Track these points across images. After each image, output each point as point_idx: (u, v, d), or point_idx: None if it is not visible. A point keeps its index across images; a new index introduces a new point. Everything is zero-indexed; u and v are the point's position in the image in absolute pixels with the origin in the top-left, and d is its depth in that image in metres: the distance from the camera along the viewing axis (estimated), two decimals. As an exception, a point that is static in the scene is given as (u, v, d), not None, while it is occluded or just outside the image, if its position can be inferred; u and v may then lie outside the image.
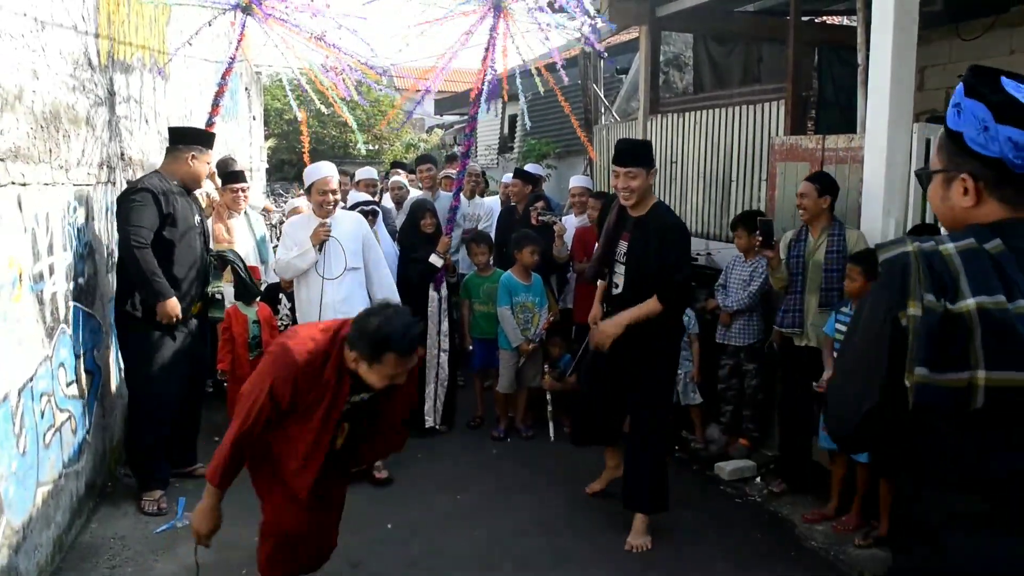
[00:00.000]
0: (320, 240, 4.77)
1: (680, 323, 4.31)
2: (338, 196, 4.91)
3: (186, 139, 4.59)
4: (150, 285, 4.22)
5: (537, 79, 5.77)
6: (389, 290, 4.98)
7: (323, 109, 6.37)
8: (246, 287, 5.18)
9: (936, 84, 6.97)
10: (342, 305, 4.72)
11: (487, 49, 5.50)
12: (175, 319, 4.28)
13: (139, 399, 4.46)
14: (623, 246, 4.14)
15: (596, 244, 5.67)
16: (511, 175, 8.12)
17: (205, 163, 4.61)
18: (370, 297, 4.92)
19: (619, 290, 4.16)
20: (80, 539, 3.97)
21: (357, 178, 7.24)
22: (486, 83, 5.53)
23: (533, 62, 6.37)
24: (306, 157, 6.13)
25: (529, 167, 7.62)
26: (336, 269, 4.81)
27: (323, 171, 4.88)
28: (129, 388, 4.56)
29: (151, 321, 4.30)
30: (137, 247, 4.19)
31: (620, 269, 4.15)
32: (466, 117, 20.02)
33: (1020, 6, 6.33)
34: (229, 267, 5.18)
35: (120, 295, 4.37)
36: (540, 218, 6.10)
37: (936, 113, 6.86)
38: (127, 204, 4.26)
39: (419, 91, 6.26)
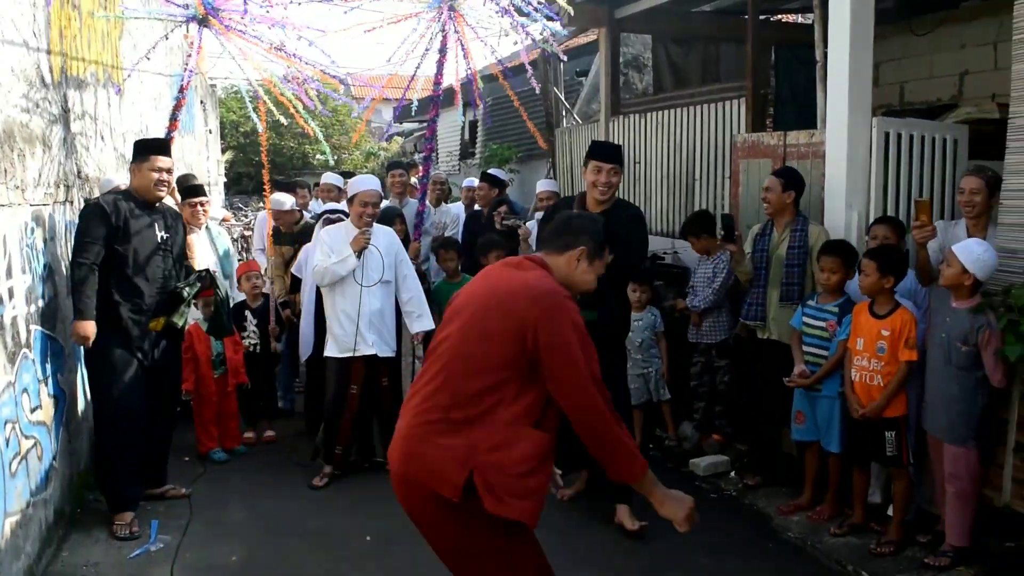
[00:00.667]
0: (361, 247, 4.82)
1: None
2: (378, 209, 4.99)
3: (135, 152, 4.54)
4: (74, 300, 4.20)
5: (506, 82, 5.76)
6: (418, 296, 5.10)
7: (282, 120, 6.30)
8: (220, 324, 5.09)
9: (891, 79, 7.10)
10: (376, 316, 4.89)
11: (441, 53, 5.48)
12: (88, 340, 4.15)
13: (104, 417, 4.36)
14: None
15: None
16: (474, 180, 8.12)
17: (148, 171, 4.41)
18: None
19: None
20: (51, 568, 3.86)
21: (321, 183, 7.17)
22: (442, 87, 5.52)
23: (487, 68, 6.39)
24: (265, 171, 6.05)
25: (493, 171, 7.61)
26: (373, 278, 4.89)
27: (367, 184, 5.01)
28: (94, 406, 4.44)
29: (113, 337, 4.23)
30: (75, 261, 4.19)
31: None
32: (425, 123, 19.99)
33: (970, 2, 6.48)
34: (208, 296, 5.09)
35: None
36: (504, 223, 6.09)
37: (892, 107, 6.99)
38: (83, 218, 4.27)
39: (385, 100, 6.24)
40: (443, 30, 5.40)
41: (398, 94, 6.08)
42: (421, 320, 5.06)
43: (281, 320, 5.93)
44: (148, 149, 4.54)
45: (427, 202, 6.40)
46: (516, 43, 5.48)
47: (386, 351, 4.99)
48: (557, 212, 4.43)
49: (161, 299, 4.45)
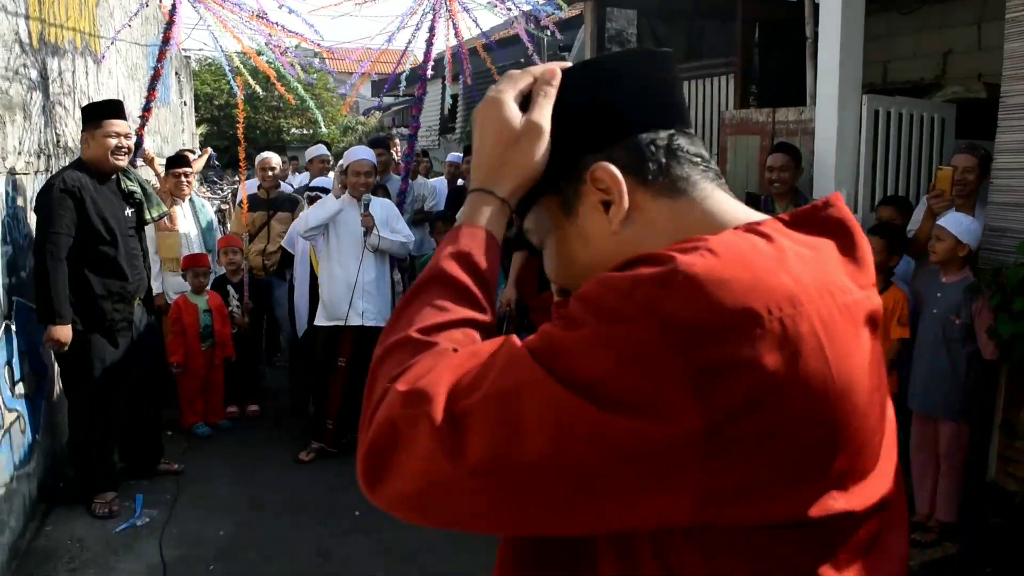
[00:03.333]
0: (369, 227, 4.74)
1: None
2: (371, 179, 4.90)
3: (86, 118, 4.14)
4: (48, 301, 3.84)
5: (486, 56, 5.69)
6: (404, 229, 5.05)
7: (259, 91, 6.20)
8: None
9: (874, 58, 7.09)
10: (371, 285, 4.84)
11: (430, 31, 5.40)
12: (65, 346, 3.89)
13: (77, 399, 4.16)
14: None
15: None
16: (458, 155, 8.06)
17: (103, 138, 4.06)
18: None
19: None
20: (35, 543, 3.81)
21: (309, 156, 7.07)
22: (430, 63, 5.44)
23: (470, 41, 6.30)
24: (241, 146, 5.94)
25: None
26: (369, 250, 4.83)
27: (359, 154, 4.93)
28: (65, 388, 4.27)
29: (79, 318, 3.98)
30: (50, 257, 3.82)
31: None
32: (404, 99, 19.76)
33: (954, -20, 6.49)
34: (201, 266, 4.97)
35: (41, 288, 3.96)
36: None
37: (875, 86, 7.01)
38: (43, 205, 3.90)
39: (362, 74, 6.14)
40: (434, 8, 5.32)
41: (379, 69, 6.01)
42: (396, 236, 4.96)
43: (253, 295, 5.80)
44: (100, 113, 4.12)
45: (409, 179, 6.35)
46: (503, 16, 5.40)
47: (379, 320, 4.87)
48: None
49: (132, 276, 4.21)
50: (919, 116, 4.85)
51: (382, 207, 4.98)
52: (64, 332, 3.88)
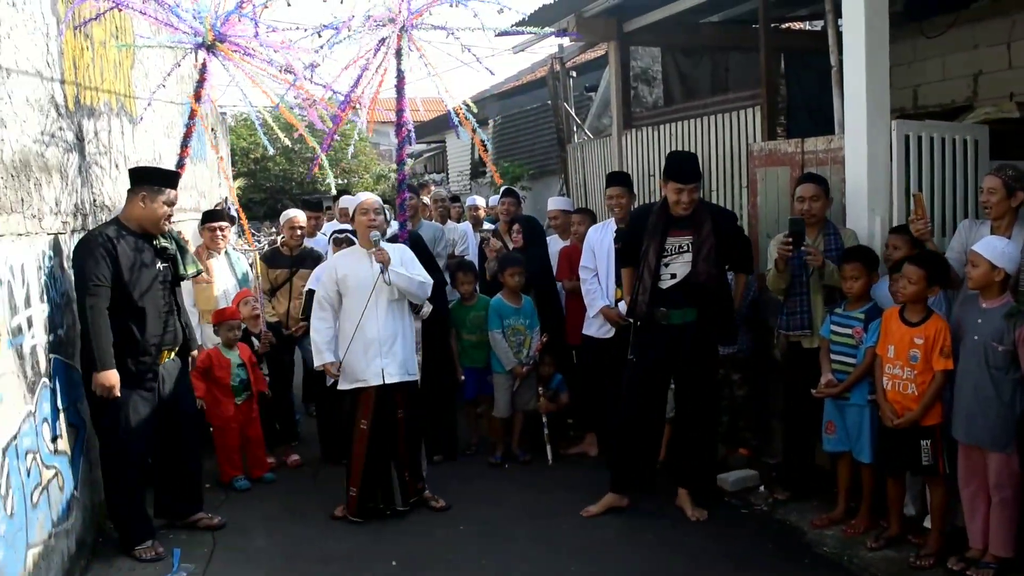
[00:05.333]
0: (384, 260, 4.51)
1: None
2: (381, 216, 4.73)
3: (139, 180, 4.36)
4: (89, 349, 4.02)
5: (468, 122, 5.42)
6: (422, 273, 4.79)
7: (287, 142, 6.28)
8: None
9: (903, 83, 7.03)
10: (388, 341, 4.62)
11: (399, 77, 5.19)
12: (114, 390, 4.01)
13: (105, 452, 4.27)
14: (677, 242, 4.53)
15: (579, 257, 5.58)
16: (476, 198, 8.11)
17: (162, 203, 4.30)
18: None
19: (677, 279, 4.52)
20: (74, 600, 3.82)
21: (340, 206, 7.16)
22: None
23: (500, 84, 6.28)
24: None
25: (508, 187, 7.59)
26: (382, 300, 4.63)
27: (361, 196, 4.90)
28: (100, 441, 4.33)
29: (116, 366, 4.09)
30: (90, 307, 4.00)
31: (681, 259, 4.52)
32: (435, 144, 19.93)
33: (981, 2, 6.42)
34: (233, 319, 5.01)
35: (85, 339, 4.12)
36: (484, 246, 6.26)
37: (906, 111, 6.93)
38: (78, 256, 4.09)
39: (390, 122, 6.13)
40: (397, 52, 5.16)
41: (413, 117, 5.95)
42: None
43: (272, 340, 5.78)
44: (162, 180, 4.39)
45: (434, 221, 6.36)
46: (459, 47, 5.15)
47: (403, 375, 4.68)
48: (638, 220, 4.75)
49: (165, 329, 4.33)
50: (951, 139, 4.76)
51: (395, 250, 4.74)
52: (108, 377, 4.00)
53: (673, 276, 4.53)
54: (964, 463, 3.77)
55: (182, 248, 4.57)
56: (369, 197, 4.84)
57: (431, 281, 4.84)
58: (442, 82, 5.28)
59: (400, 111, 5.20)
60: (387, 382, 4.61)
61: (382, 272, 4.53)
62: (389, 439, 4.68)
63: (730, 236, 4.62)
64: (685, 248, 4.52)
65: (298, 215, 6.44)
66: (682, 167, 4.52)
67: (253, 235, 17.47)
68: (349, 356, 4.63)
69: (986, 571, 3.61)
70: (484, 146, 6.03)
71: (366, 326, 4.59)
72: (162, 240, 4.40)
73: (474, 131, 5.37)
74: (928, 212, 4.17)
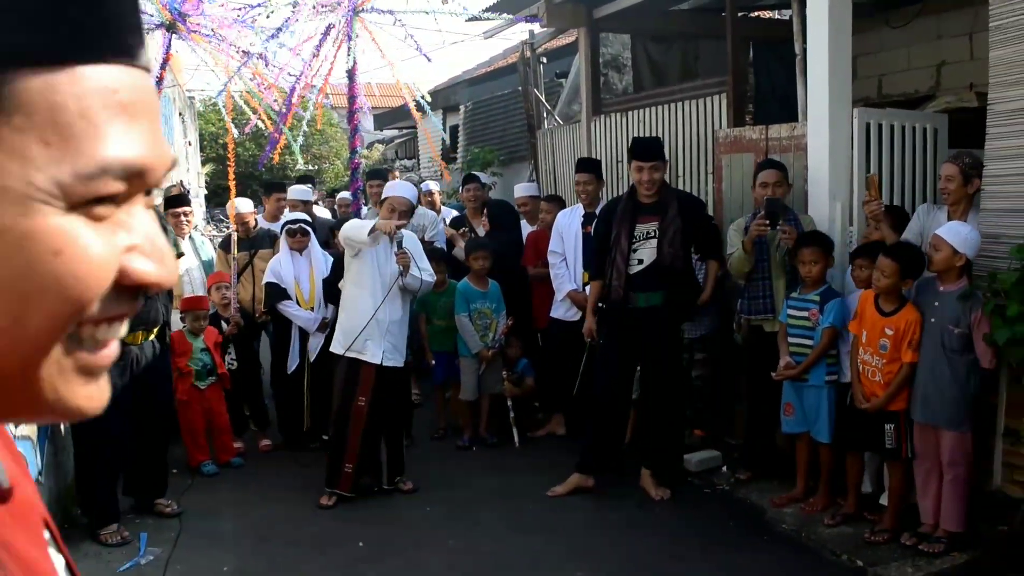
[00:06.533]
0: (388, 231, 4.51)
1: None
2: (406, 220, 4.76)
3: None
4: None
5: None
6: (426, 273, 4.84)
7: (261, 126, 6.23)
8: None
9: (868, 72, 7.13)
10: (395, 325, 4.70)
11: (352, 60, 5.16)
12: None
13: (80, 433, 4.26)
14: (644, 228, 4.61)
15: (547, 245, 5.65)
16: (429, 183, 8.07)
17: (172, 218, 4.49)
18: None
19: (643, 265, 4.61)
20: (39, 584, 3.80)
21: (289, 197, 7.04)
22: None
23: (471, 71, 6.29)
24: (231, 184, 5.96)
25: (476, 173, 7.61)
26: (395, 289, 4.68)
27: (400, 190, 4.87)
28: (72, 425, 4.34)
29: None
30: None
31: (648, 245, 4.60)
32: (406, 131, 19.85)
33: (944, -8, 6.53)
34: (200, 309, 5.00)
35: None
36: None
37: (870, 100, 7.03)
38: None
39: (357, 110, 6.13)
40: (348, 36, 5.13)
41: (379, 100, 5.98)
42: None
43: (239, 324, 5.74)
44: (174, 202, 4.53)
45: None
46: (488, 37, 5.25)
47: (398, 360, 4.74)
48: (608, 213, 4.81)
49: (141, 310, 4.34)
50: (911, 127, 4.86)
51: (413, 244, 4.81)
52: None
53: (640, 262, 4.62)
54: (919, 443, 3.87)
55: (165, 227, 4.55)
56: (403, 197, 4.79)
57: (435, 279, 5.02)
58: (394, 68, 5.28)
59: (352, 97, 5.15)
60: (385, 364, 4.67)
61: (401, 275, 4.64)
62: (382, 418, 4.78)
63: (696, 221, 4.70)
64: (652, 234, 4.61)
65: (243, 209, 6.19)
66: (644, 145, 4.69)
67: (222, 220, 17.35)
68: (351, 322, 4.65)
69: (937, 545, 3.72)
70: (438, 151, 6.12)
71: (372, 302, 4.63)
72: None
73: (420, 112, 5.37)
74: (880, 193, 4.31)
